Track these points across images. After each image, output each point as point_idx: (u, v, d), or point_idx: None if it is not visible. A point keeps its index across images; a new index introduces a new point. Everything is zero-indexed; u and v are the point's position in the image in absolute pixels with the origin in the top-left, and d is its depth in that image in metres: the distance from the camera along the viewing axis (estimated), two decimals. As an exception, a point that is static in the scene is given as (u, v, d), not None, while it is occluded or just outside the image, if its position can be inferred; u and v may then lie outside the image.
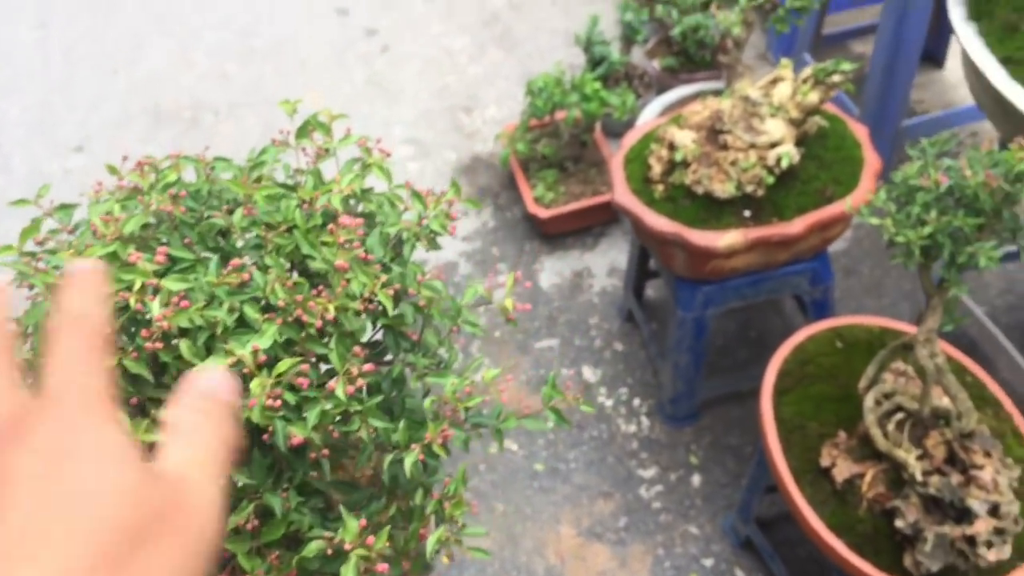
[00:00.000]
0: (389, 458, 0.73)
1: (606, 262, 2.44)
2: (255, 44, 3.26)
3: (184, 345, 0.69)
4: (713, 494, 1.99)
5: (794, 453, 1.56)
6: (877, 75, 2.39)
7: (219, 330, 0.70)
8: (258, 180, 0.86)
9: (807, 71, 1.81)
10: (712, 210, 1.77)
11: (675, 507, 1.97)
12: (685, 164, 1.81)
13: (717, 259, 1.78)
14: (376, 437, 0.69)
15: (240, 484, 0.68)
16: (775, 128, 1.77)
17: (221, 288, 0.73)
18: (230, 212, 0.82)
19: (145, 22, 3.40)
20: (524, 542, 1.92)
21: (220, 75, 3.14)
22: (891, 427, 1.47)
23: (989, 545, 1.32)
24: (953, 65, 2.87)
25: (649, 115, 2.43)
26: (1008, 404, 1.60)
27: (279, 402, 0.66)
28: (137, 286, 0.71)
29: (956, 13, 1.72)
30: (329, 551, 0.65)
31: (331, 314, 0.72)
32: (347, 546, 0.64)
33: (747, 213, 1.77)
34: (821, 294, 1.97)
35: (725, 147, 1.78)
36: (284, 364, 0.68)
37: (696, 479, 2.02)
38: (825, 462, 1.52)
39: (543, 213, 2.42)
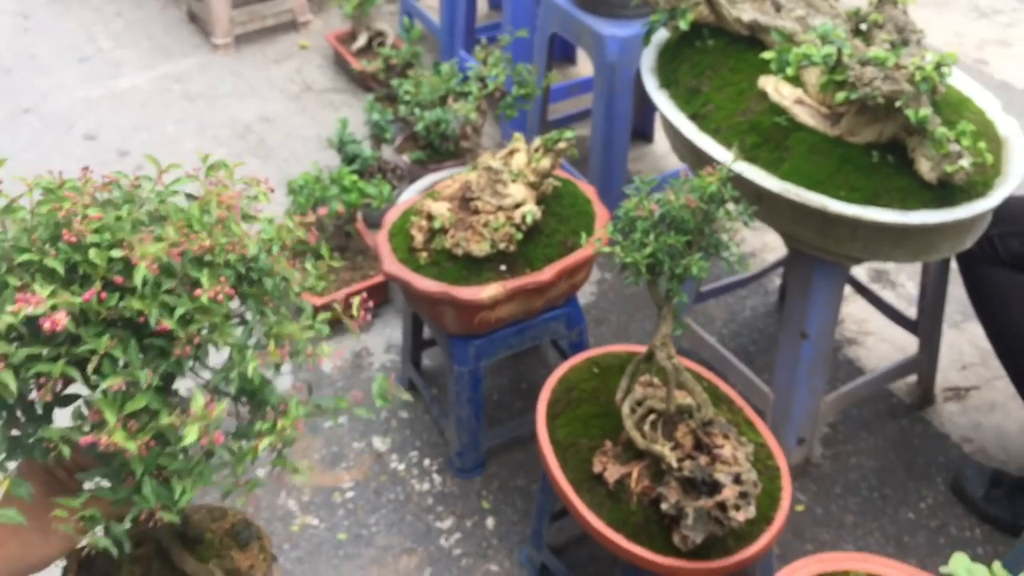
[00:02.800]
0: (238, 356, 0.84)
1: (382, 340, 2.60)
2: (-1, 174, 3.21)
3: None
4: (507, 532, 2.14)
5: (571, 467, 1.76)
6: (598, 149, 2.73)
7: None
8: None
9: (537, 141, 2.09)
10: (472, 268, 1.98)
11: (474, 550, 2.11)
12: (443, 231, 2.01)
13: (483, 311, 1.99)
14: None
15: (121, 361, 0.77)
16: (517, 191, 2.02)
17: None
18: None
19: None
20: (337, 607, 1.99)
21: (-36, 207, 3.07)
22: (647, 428, 1.69)
23: (737, 508, 1.56)
24: (660, 139, 3.30)
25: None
26: (739, 400, 1.88)
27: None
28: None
29: (650, 83, 2.05)
30: (178, 422, 0.75)
31: (206, 243, 0.83)
32: (192, 413, 0.75)
33: (503, 267, 1.99)
34: (577, 336, 2.21)
35: (476, 212, 2.01)
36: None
37: (490, 521, 2.17)
38: (597, 469, 1.73)
39: (316, 300, 2.54)
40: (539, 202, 2.06)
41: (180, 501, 0.80)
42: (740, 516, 1.56)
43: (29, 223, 0.84)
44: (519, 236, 1.99)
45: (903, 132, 1.72)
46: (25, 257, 0.80)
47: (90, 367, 0.78)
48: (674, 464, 1.62)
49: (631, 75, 2.61)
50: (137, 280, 0.80)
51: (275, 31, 4.02)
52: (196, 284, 0.84)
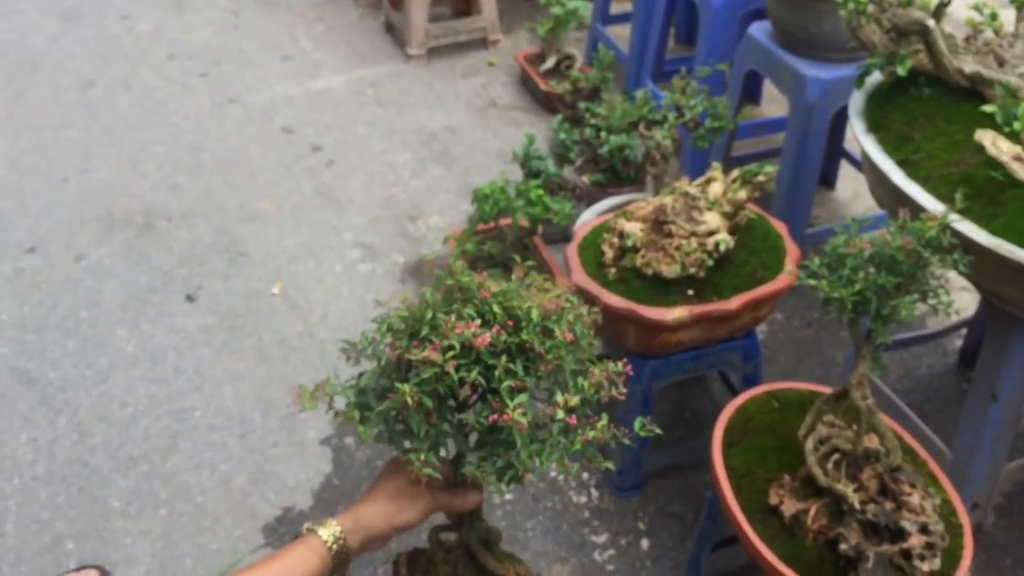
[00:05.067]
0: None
1: (549, 353, 2.64)
2: (203, 158, 3.43)
3: None
4: (662, 556, 2.15)
5: (744, 495, 1.76)
6: (784, 189, 2.73)
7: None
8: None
9: (735, 172, 2.10)
10: (660, 289, 2.01)
11: (627, 568, 2.13)
12: (635, 250, 2.05)
13: (665, 333, 2.01)
14: None
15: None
16: (712, 219, 2.04)
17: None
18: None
19: (93, 137, 3.54)
20: (490, 603, 2.03)
21: (171, 186, 3.29)
22: (829, 466, 1.68)
23: (922, 558, 1.53)
24: (842, 186, 3.26)
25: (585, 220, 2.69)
26: (923, 452, 1.84)
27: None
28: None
29: (858, 126, 2.04)
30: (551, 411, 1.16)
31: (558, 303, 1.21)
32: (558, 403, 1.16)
33: (690, 292, 2.01)
34: (752, 370, 2.21)
35: (670, 235, 2.04)
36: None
37: (645, 543, 2.18)
38: (773, 501, 1.72)
39: (491, 307, 2.62)
40: (732, 232, 2.08)
41: (542, 463, 1.12)
42: (925, 567, 1.53)
43: (452, 291, 1.21)
44: (710, 263, 2.00)
45: None
46: (455, 307, 1.17)
47: (497, 372, 1.13)
48: (857, 506, 1.60)
49: (827, 118, 2.60)
50: (535, 317, 1.17)
51: (466, 47, 4.17)
52: (550, 331, 1.19)
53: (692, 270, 2.00)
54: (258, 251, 2.99)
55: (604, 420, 1.18)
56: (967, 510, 2.05)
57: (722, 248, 2.00)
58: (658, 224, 2.08)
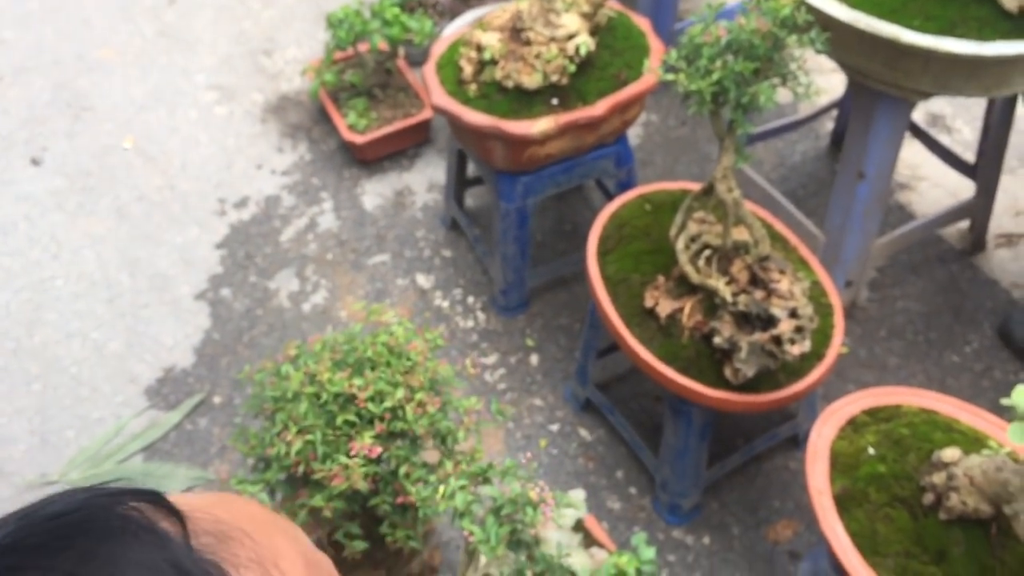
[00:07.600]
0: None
1: (424, 180, 2.57)
2: (30, 7, 3.13)
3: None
4: (551, 369, 2.17)
5: (622, 302, 1.75)
6: (649, -16, 2.62)
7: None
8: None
9: (592, -31, 1.99)
10: (523, 101, 1.93)
11: (518, 385, 2.14)
12: (493, 62, 1.95)
13: (532, 146, 1.95)
14: None
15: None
16: (571, 21, 1.94)
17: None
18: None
19: (-100, -7, 3.19)
20: (385, 436, 2.03)
21: (-4, 40, 3.01)
22: (701, 263, 1.68)
23: (792, 342, 1.56)
24: (712, -24, 3.16)
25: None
26: (793, 239, 1.85)
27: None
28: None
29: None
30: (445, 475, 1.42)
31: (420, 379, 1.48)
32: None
33: (555, 101, 1.94)
34: (626, 175, 2.17)
35: (528, 43, 1.94)
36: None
37: (534, 358, 2.19)
38: (649, 303, 1.72)
39: (359, 139, 2.51)
40: (593, 33, 1.99)
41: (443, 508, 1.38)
42: (795, 350, 1.56)
43: (326, 397, 1.41)
44: (572, 68, 1.92)
45: (985, -43, 1.63)
46: (342, 418, 1.40)
47: (393, 462, 1.42)
48: (729, 298, 1.61)
49: (687, -98, 2.48)
50: (410, 414, 1.41)
51: None
52: (421, 403, 1.43)
53: (554, 78, 1.92)
54: (103, 104, 2.78)
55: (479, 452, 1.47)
56: (840, 289, 2.10)
57: (583, 51, 1.92)
58: (516, 32, 1.97)
